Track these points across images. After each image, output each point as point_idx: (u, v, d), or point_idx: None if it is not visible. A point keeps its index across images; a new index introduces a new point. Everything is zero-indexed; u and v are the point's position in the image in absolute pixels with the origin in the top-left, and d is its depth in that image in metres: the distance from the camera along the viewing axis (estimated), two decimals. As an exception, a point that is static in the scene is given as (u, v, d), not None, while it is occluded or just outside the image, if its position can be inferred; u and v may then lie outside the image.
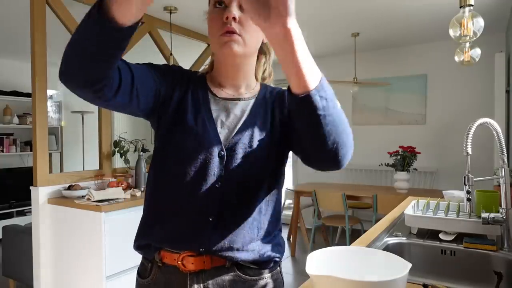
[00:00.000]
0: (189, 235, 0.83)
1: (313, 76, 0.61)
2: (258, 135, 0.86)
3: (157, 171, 0.88)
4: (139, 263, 0.94)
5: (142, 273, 0.92)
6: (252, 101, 0.92)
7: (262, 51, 0.95)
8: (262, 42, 0.91)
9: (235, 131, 0.86)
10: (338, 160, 0.70)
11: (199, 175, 0.83)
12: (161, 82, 0.86)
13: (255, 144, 0.85)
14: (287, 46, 0.57)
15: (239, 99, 0.91)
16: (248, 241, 0.84)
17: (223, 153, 0.84)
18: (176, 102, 0.87)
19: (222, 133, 0.86)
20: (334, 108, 0.65)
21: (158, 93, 0.85)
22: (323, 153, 0.68)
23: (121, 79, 0.71)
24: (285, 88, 0.96)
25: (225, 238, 0.83)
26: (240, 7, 0.81)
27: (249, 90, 0.93)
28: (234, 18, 0.80)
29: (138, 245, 0.90)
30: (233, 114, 0.89)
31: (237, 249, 0.83)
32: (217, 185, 0.83)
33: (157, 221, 0.86)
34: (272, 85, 0.99)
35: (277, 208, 0.92)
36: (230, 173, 0.83)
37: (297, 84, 0.61)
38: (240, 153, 0.84)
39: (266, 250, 0.87)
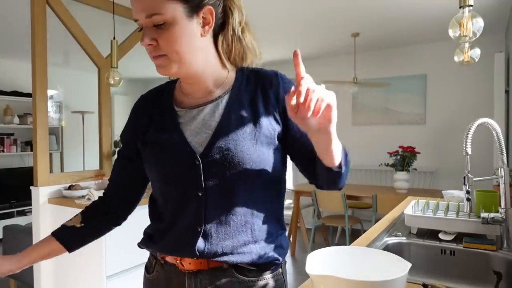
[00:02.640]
0: (182, 247, 0.83)
1: (341, 154, 0.78)
2: (236, 135, 0.81)
3: (152, 190, 0.92)
4: (147, 258, 0.96)
5: (148, 268, 0.94)
6: (225, 98, 0.85)
7: (219, 29, 0.84)
8: (211, 15, 0.80)
9: (210, 137, 0.82)
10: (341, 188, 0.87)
11: (179, 187, 0.83)
12: (133, 147, 0.92)
13: (232, 145, 0.80)
14: (329, 141, 0.72)
15: (205, 104, 0.86)
16: (242, 244, 0.82)
17: (197, 162, 0.81)
18: (143, 133, 0.89)
19: (194, 142, 0.83)
20: (348, 169, 0.83)
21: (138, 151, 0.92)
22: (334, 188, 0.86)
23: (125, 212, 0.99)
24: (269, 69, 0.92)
25: (216, 245, 0.81)
26: (154, 26, 0.76)
27: (220, 84, 0.87)
28: (150, 45, 0.77)
29: (141, 246, 0.93)
30: (201, 120, 0.84)
31: (231, 253, 0.82)
32: (199, 194, 0.81)
33: (154, 233, 0.89)
34: (252, 67, 0.90)
35: (276, 209, 0.88)
36: (210, 180, 0.81)
37: (334, 162, 0.77)
38: (217, 158, 0.80)
39: (266, 252, 0.85)
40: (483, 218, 1.21)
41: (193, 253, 0.81)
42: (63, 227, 0.95)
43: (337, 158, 0.77)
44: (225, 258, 0.81)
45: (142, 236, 0.93)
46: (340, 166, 0.78)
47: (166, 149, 0.84)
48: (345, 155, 0.81)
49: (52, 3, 2.60)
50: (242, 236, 0.83)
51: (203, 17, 0.79)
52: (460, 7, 1.51)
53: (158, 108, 0.90)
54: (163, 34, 0.76)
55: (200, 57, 0.82)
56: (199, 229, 0.81)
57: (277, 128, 0.85)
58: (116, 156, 1.01)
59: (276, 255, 0.86)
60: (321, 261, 0.75)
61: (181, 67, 0.80)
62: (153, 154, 0.86)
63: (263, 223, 0.85)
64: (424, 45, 4.61)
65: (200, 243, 0.81)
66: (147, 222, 0.93)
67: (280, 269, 0.90)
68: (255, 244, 0.84)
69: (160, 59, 0.79)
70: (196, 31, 0.79)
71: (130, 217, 0.99)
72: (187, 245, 0.82)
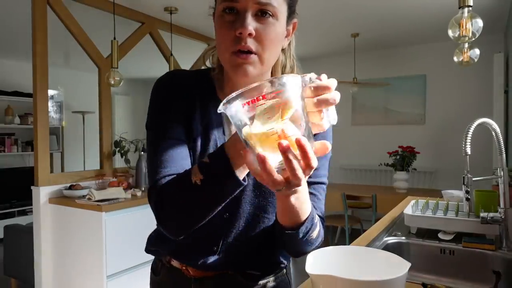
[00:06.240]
0: (194, 258, 0.81)
1: (303, 216, 0.67)
2: None
3: None
4: (153, 259, 0.94)
5: (155, 269, 0.92)
6: None
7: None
8: (294, 29, 0.78)
9: None
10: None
11: None
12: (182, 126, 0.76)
13: None
14: (293, 204, 0.63)
15: None
16: (252, 254, 0.83)
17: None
18: (188, 116, 0.76)
19: None
20: (313, 239, 0.74)
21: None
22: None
23: None
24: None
25: (229, 260, 0.81)
26: (256, 15, 0.66)
27: None
28: (250, 34, 0.65)
29: (148, 250, 0.90)
30: None
31: (242, 265, 0.83)
32: (225, 216, 0.78)
33: (166, 239, 0.83)
34: None
35: None
36: (240, 204, 0.78)
37: (290, 223, 0.68)
38: (251, 183, 0.77)
39: (273, 257, 0.86)
40: (482, 217, 1.21)
41: (205, 266, 0.81)
42: None
43: (295, 219, 0.68)
44: (233, 268, 0.82)
45: (141, 237, 0.92)
46: (295, 228, 0.69)
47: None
48: (315, 226, 0.72)
49: (52, 3, 2.61)
50: (253, 248, 0.83)
51: (287, 28, 0.74)
52: (459, 8, 1.51)
53: (201, 95, 0.78)
54: (265, 27, 0.66)
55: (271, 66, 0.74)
56: (215, 248, 0.80)
57: None
58: (115, 155, 0.97)
59: (281, 259, 0.87)
60: (321, 261, 0.76)
61: (262, 71, 0.70)
62: (196, 150, 0.75)
63: (273, 233, 0.85)
64: (424, 45, 4.61)
65: (213, 258, 0.81)
66: (147, 222, 0.92)
67: (284, 270, 0.91)
68: (264, 253, 0.84)
69: (251, 56, 0.67)
70: (284, 39, 0.74)
71: (129, 217, 0.98)
72: (199, 258, 0.81)
